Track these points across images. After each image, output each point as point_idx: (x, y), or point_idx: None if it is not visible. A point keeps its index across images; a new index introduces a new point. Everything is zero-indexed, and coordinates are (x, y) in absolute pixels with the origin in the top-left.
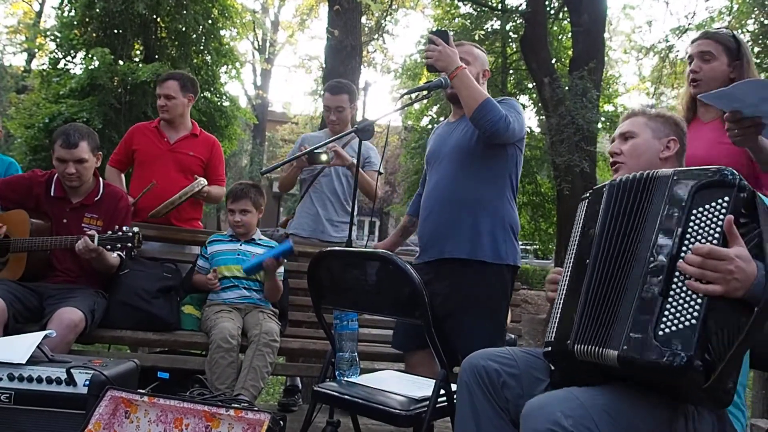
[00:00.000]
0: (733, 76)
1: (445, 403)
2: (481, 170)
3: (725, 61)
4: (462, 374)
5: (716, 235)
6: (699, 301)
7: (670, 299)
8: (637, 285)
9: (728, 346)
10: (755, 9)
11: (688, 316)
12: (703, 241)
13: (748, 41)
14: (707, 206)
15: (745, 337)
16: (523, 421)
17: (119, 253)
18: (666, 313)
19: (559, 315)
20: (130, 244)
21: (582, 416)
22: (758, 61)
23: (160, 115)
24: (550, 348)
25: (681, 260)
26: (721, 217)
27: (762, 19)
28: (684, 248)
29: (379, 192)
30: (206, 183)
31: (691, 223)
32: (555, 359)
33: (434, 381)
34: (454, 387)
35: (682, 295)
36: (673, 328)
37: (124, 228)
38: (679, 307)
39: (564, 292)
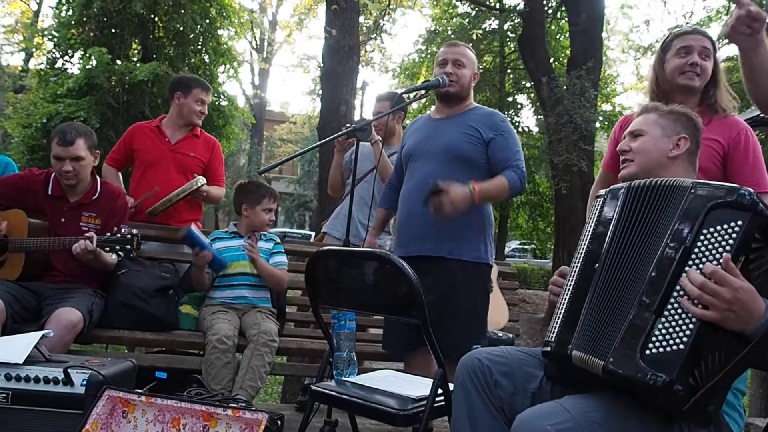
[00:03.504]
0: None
1: (443, 403)
2: (469, 172)
3: (713, 63)
4: (458, 374)
5: (721, 260)
6: (691, 326)
7: (663, 319)
8: (635, 297)
9: (715, 373)
10: None
11: (678, 340)
12: (707, 263)
13: None
14: (719, 227)
15: (732, 367)
16: None
17: (117, 253)
18: (656, 332)
19: (562, 316)
20: (128, 246)
21: (572, 429)
22: None
23: (195, 121)
24: (549, 348)
25: (684, 276)
26: (731, 242)
27: None
28: (687, 268)
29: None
30: (205, 182)
31: (699, 243)
32: (553, 360)
33: (432, 380)
34: (451, 386)
35: (676, 316)
36: (661, 349)
37: (123, 230)
38: (671, 329)
39: (570, 292)
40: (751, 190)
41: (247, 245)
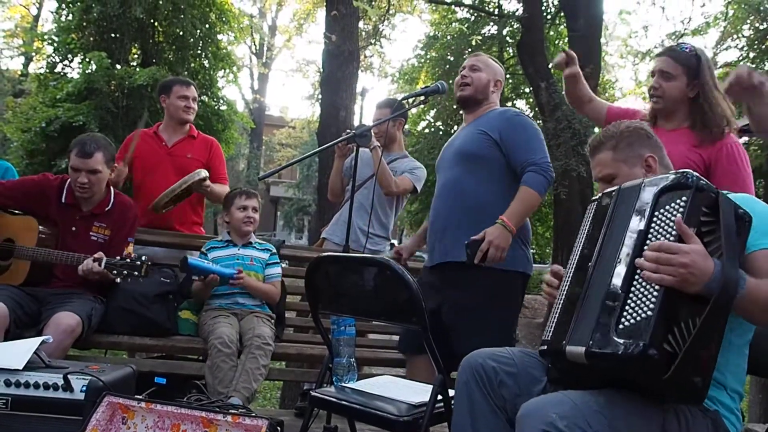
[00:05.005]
0: (692, 95)
1: (443, 409)
2: (484, 174)
3: (684, 81)
4: (460, 372)
5: (674, 233)
6: (656, 294)
7: (631, 295)
8: (606, 285)
9: (688, 337)
10: (750, 15)
11: (645, 309)
12: (662, 239)
13: (743, 47)
14: (667, 207)
15: (700, 330)
16: (518, 424)
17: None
18: (627, 308)
19: (558, 315)
20: (136, 273)
21: (575, 416)
22: (754, 65)
23: (183, 117)
24: (546, 347)
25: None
26: (678, 216)
27: (757, 24)
28: (646, 248)
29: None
30: (207, 174)
31: (653, 224)
32: (550, 358)
33: (432, 386)
34: (452, 392)
35: (642, 290)
36: (632, 320)
37: (132, 253)
38: (638, 302)
39: (565, 292)
40: (696, 173)
41: (235, 281)
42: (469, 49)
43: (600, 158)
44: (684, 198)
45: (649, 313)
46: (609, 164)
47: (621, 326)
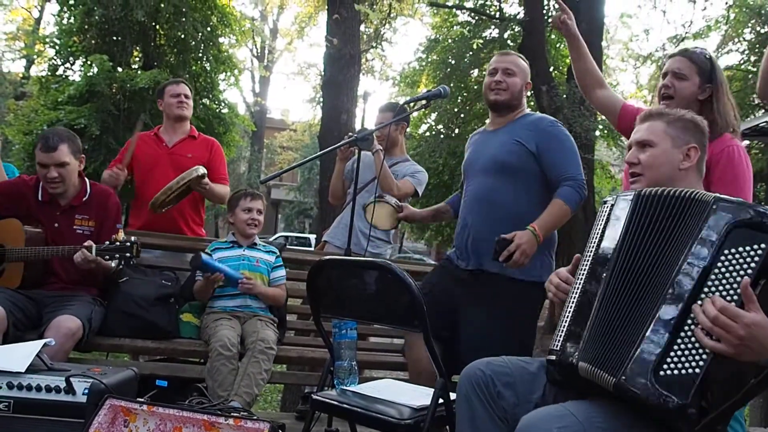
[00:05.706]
0: (701, 98)
1: (444, 412)
2: (518, 184)
3: (696, 82)
4: (460, 385)
5: (739, 290)
6: (707, 349)
7: (679, 340)
8: (650, 314)
9: (726, 398)
10: (751, 18)
11: (693, 363)
12: (727, 286)
13: (744, 50)
14: (740, 249)
15: (743, 394)
16: None
17: (118, 260)
18: (672, 354)
19: (567, 325)
20: (128, 254)
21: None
22: (755, 69)
23: (176, 113)
24: (554, 357)
25: (698, 304)
26: (753, 265)
27: (758, 28)
28: (706, 289)
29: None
30: (205, 171)
31: (719, 264)
32: (558, 369)
33: (433, 390)
34: (453, 396)
35: (693, 338)
36: (675, 371)
37: (121, 236)
38: (686, 351)
39: (576, 300)
40: None
41: (244, 288)
42: (470, 53)
43: (652, 124)
44: (763, 245)
45: (697, 370)
46: (657, 132)
47: (662, 372)
